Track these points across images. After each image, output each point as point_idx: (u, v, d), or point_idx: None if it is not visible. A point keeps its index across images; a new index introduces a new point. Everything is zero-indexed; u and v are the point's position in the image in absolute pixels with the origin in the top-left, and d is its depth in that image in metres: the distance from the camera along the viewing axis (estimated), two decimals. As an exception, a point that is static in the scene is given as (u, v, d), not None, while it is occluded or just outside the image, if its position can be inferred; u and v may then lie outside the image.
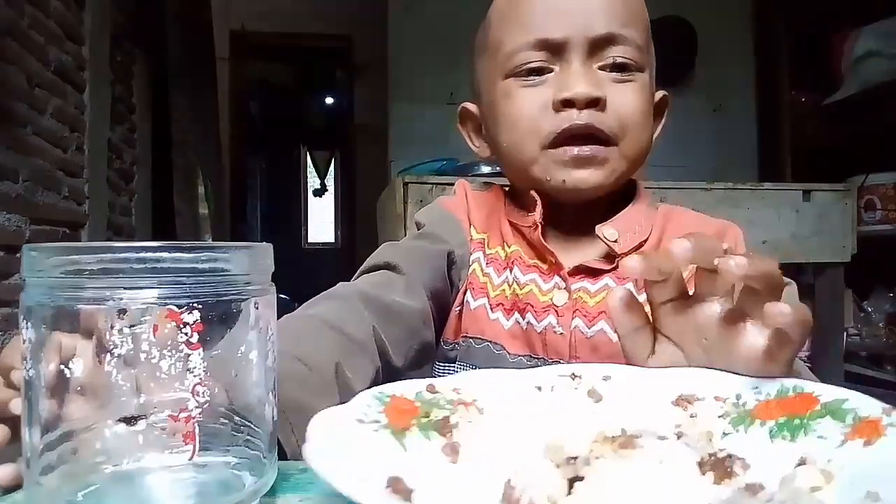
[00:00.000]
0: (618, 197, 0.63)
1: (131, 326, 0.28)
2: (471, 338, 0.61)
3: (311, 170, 7.97)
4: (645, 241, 0.61)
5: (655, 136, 0.66)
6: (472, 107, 0.66)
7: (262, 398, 0.33)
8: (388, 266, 0.59)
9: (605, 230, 0.60)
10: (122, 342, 0.28)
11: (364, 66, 4.60)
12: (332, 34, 4.88)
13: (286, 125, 7.27)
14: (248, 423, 0.32)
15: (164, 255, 0.29)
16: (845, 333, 2.27)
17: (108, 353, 0.28)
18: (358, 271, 0.62)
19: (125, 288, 0.28)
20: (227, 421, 0.31)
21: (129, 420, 0.29)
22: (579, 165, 0.57)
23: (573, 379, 0.39)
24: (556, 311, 0.59)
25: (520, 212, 0.63)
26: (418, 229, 0.67)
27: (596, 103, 0.55)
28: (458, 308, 0.63)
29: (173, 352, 0.28)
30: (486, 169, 2.03)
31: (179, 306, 0.28)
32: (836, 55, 2.66)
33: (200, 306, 0.29)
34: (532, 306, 0.60)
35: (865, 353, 2.38)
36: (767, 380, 0.36)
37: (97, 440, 0.29)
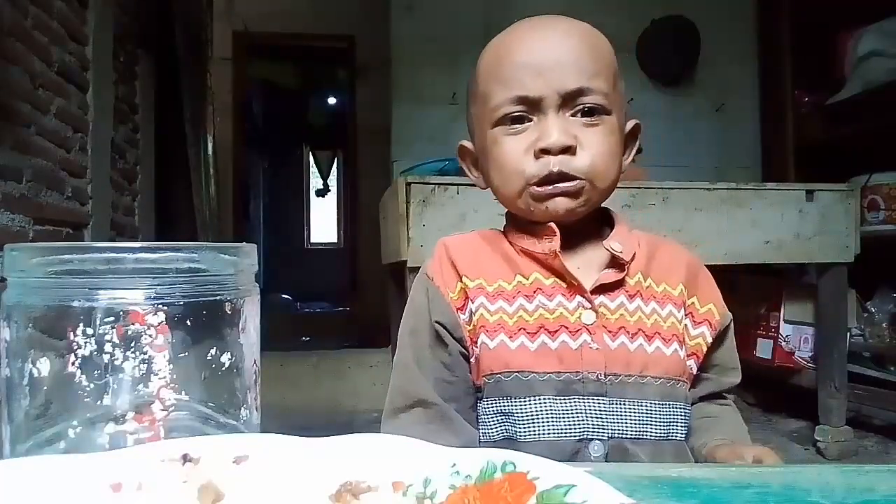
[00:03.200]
0: (597, 223, 0.74)
1: (101, 326, 0.28)
2: (498, 374, 0.67)
3: (313, 170, 7.98)
4: (636, 253, 0.70)
5: (628, 161, 0.75)
6: (468, 145, 0.78)
7: (243, 399, 0.33)
8: (423, 403, 0.68)
9: (612, 244, 0.68)
10: (86, 343, 0.28)
11: (366, 67, 4.60)
12: (334, 34, 4.88)
13: (288, 125, 7.27)
14: (230, 423, 0.32)
15: (146, 255, 0.29)
16: (849, 334, 2.27)
17: (74, 354, 0.28)
18: (389, 411, 0.69)
19: (102, 288, 0.28)
20: (208, 421, 0.31)
21: (117, 419, 0.29)
22: (557, 196, 0.68)
23: (184, 464, 0.26)
24: (587, 329, 0.66)
25: (530, 239, 0.71)
26: (413, 303, 0.73)
27: (568, 150, 0.65)
28: (476, 354, 0.69)
29: (137, 353, 0.28)
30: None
31: (144, 308, 0.28)
32: (839, 55, 2.66)
33: (166, 307, 0.29)
34: (566, 328, 0.66)
35: (869, 353, 2.37)
36: (469, 455, 0.26)
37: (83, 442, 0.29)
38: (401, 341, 0.72)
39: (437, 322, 0.69)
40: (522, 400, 0.64)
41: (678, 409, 0.66)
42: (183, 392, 0.30)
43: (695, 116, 3.11)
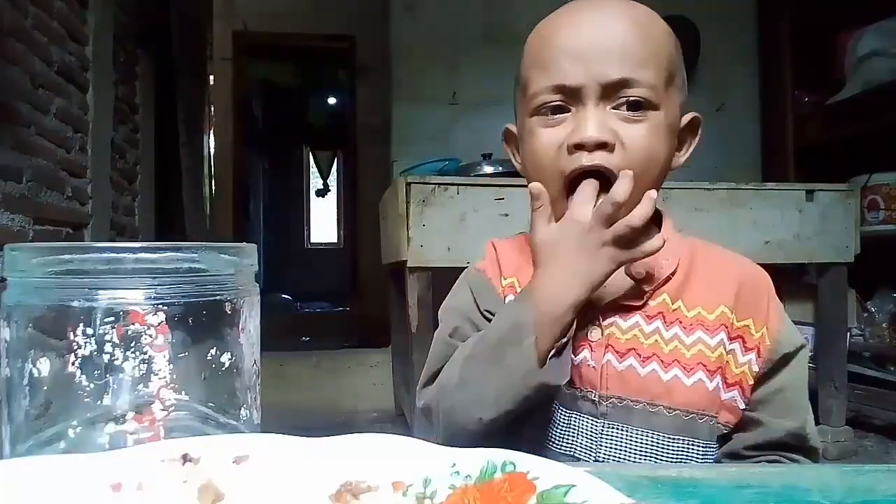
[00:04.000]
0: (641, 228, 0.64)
1: (101, 326, 0.28)
2: None
3: (313, 170, 7.98)
4: (673, 273, 0.64)
5: (683, 158, 0.71)
6: (513, 128, 0.72)
7: (243, 399, 0.32)
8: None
9: (638, 268, 0.63)
10: (86, 343, 0.28)
11: (366, 67, 4.61)
12: (334, 35, 4.88)
13: (289, 125, 7.27)
14: (230, 423, 0.32)
15: (146, 255, 0.29)
16: (849, 334, 2.27)
17: (74, 354, 0.28)
18: (421, 382, 0.67)
19: (102, 288, 0.28)
20: (208, 421, 0.31)
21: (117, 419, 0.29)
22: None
23: (184, 464, 0.26)
24: (590, 345, 0.63)
25: None
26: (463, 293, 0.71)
27: (604, 146, 0.60)
28: None
29: (137, 353, 0.28)
30: (488, 169, 2.03)
31: (144, 308, 0.28)
32: (840, 55, 2.66)
33: (166, 307, 0.29)
34: (573, 341, 0.62)
35: (869, 353, 2.37)
36: (470, 455, 0.26)
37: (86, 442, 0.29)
38: (442, 318, 0.70)
39: (486, 311, 0.67)
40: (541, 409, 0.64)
41: (696, 447, 0.59)
42: (183, 392, 0.30)
43: (695, 116, 3.11)
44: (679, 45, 0.65)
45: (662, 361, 0.60)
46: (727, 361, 0.61)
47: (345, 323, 5.01)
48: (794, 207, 1.96)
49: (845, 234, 2.00)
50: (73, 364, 0.28)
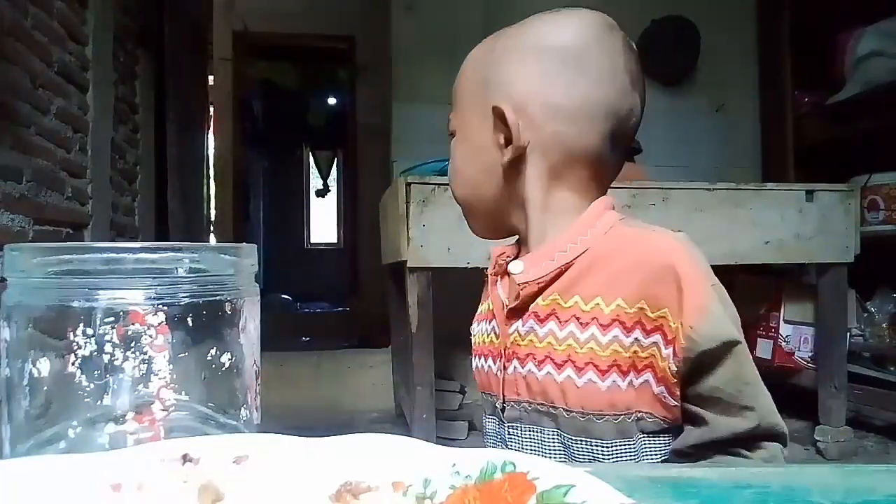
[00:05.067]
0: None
1: (101, 326, 0.28)
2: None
3: (313, 170, 7.98)
4: (567, 266, 0.60)
5: (507, 157, 0.63)
6: None
7: (243, 399, 0.33)
8: None
9: (513, 265, 0.63)
10: (86, 343, 0.28)
11: (366, 67, 4.60)
12: (334, 34, 4.88)
13: (288, 125, 7.27)
14: (230, 423, 0.32)
15: (146, 255, 0.29)
16: (848, 334, 2.27)
17: (74, 354, 0.28)
18: None
19: (102, 288, 0.28)
20: (208, 421, 0.31)
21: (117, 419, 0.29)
22: None
23: (184, 464, 0.26)
24: (492, 354, 0.66)
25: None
26: None
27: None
28: None
29: (137, 354, 0.28)
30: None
31: (144, 308, 0.28)
32: (839, 55, 2.66)
33: (166, 307, 0.29)
34: (491, 351, 0.67)
35: (869, 353, 2.37)
36: (470, 455, 0.26)
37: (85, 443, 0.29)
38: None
39: None
40: (483, 414, 0.70)
41: (600, 447, 0.57)
42: (183, 392, 0.30)
43: (695, 116, 3.11)
44: (485, 55, 0.66)
45: (555, 363, 0.59)
46: (652, 355, 0.56)
47: (345, 323, 5.01)
48: (794, 207, 1.96)
49: (845, 234, 2.00)
50: (73, 364, 0.28)
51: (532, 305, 0.61)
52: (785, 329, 2.36)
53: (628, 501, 0.22)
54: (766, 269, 2.33)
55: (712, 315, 0.55)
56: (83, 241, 2.08)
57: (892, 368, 2.28)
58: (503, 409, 0.64)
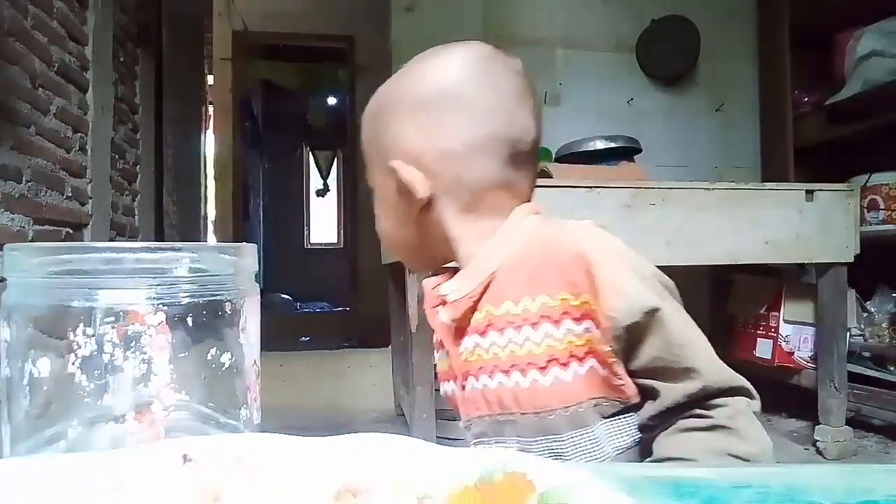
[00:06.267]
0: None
1: (101, 326, 0.28)
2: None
3: (313, 170, 7.97)
4: (493, 276, 0.62)
5: (414, 209, 0.65)
6: None
7: (243, 399, 0.32)
8: None
9: (443, 287, 0.65)
10: (86, 343, 0.28)
11: (366, 67, 4.60)
12: (334, 34, 4.89)
13: (288, 125, 7.27)
14: (230, 423, 0.32)
15: (146, 255, 0.29)
16: (848, 334, 2.27)
17: (74, 354, 0.28)
18: None
19: (102, 288, 0.28)
20: (208, 421, 0.31)
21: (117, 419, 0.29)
22: None
23: (184, 464, 0.26)
24: (457, 375, 0.66)
25: None
26: None
27: None
28: None
29: (137, 354, 0.28)
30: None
31: (144, 308, 0.28)
32: (839, 55, 2.66)
33: (166, 307, 0.29)
34: (449, 375, 0.68)
35: (869, 353, 2.37)
36: (470, 455, 0.26)
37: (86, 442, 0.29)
38: None
39: None
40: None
41: (558, 443, 0.58)
42: (183, 392, 0.30)
43: (695, 116, 3.11)
44: (373, 116, 0.69)
45: (503, 370, 0.60)
46: (589, 340, 0.57)
47: (345, 323, 5.01)
48: (794, 207, 1.96)
49: (845, 234, 2.00)
50: (73, 364, 0.28)
51: (472, 321, 0.63)
52: (785, 329, 2.36)
53: (628, 501, 0.22)
54: (766, 269, 2.33)
55: (625, 290, 0.56)
56: (83, 241, 2.08)
57: (892, 368, 2.28)
58: (468, 428, 0.65)
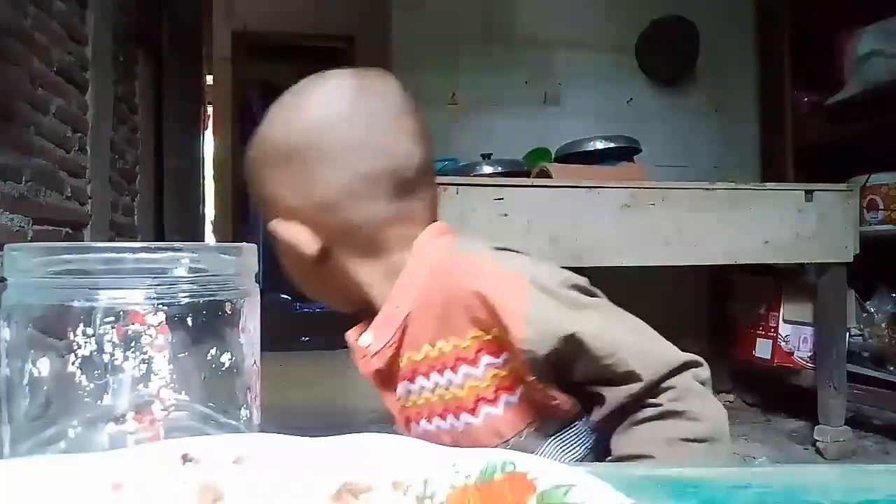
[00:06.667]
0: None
1: (101, 326, 0.28)
2: None
3: (313, 170, 7.97)
4: (407, 320, 0.59)
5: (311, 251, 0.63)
6: None
7: (243, 399, 0.32)
8: None
9: (362, 339, 0.62)
10: (86, 343, 0.28)
11: (366, 67, 4.60)
12: (334, 34, 4.89)
13: (288, 125, 7.26)
14: (230, 423, 0.32)
15: (146, 255, 0.29)
16: (848, 334, 2.27)
17: (74, 354, 0.28)
18: None
19: (102, 288, 0.28)
20: (208, 421, 0.31)
21: (118, 419, 0.29)
22: None
23: (184, 464, 0.26)
24: (395, 424, 0.65)
25: None
26: None
27: None
28: None
29: (137, 353, 0.28)
30: (487, 169, 2.03)
31: (144, 308, 0.28)
32: (839, 55, 2.66)
33: (166, 307, 0.29)
34: (395, 419, 0.65)
35: (868, 353, 2.37)
36: (470, 455, 0.26)
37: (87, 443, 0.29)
38: None
39: None
40: None
41: None
42: (183, 392, 0.30)
43: (695, 116, 3.11)
44: (249, 175, 0.63)
45: (439, 414, 0.59)
46: (513, 370, 0.56)
47: (345, 323, 5.00)
48: (793, 208, 1.96)
49: (845, 234, 2.00)
50: (73, 364, 0.28)
51: (400, 368, 0.61)
52: (784, 329, 2.36)
53: (628, 501, 0.22)
54: (766, 269, 2.33)
55: (533, 319, 0.53)
56: (83, 241, 2.08)
57: (891, 368, 2.28)
58: None
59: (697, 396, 0.55)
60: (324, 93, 0.61)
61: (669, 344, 0.57)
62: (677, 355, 0.56)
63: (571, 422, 0.59)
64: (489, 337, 0.56)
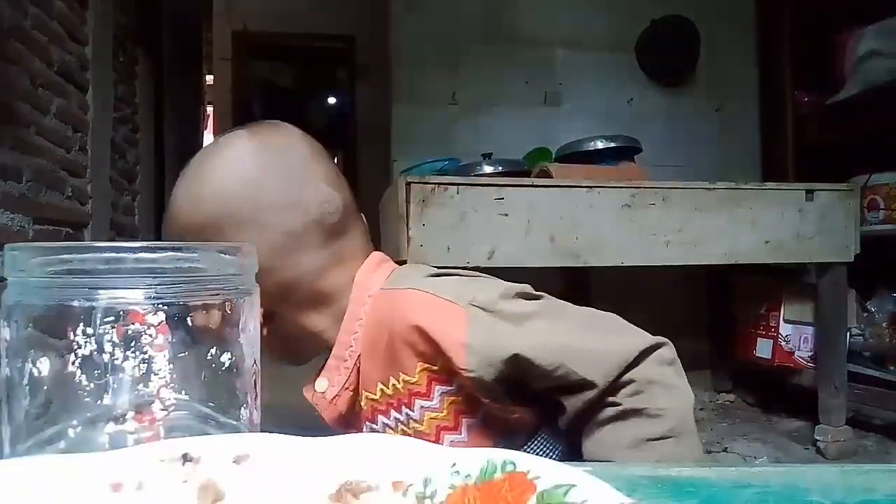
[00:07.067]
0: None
1: (101, 326, 0.28)
2: None
3: (313, 170, 7.97)
4: (358, 361, 0.60)
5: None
6: None
7: (243, 399, 0.32)
8: None
9: (318, 385, 0.61)
10: (86, 343, 0.28)
11: (366, 67, 4.60)
12: (334, 34, 4.88)
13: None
14: (230, 423, 0.32)
15: (146, 255, 0.29)
16: (848, 334, 2.27)
17: (74, 354, 0.28)
18: None
19: (102, 288, 0.28)
20: (208, 421, 0.31)
21: (118, 419, 0.29)
22: None
23: (184, 464, 0.26)
24: None
25: None
26: None
27: None
28: None
29: (137, 353, 0.28)
30: (488, 169, 2.03)
31: (144, 308, 0.28)
32: (839, 55, 2.66)
33: (166, 307, 0.29)
34: None
35: (869, 353, 2.37)
36: (470, 455, 0.26)
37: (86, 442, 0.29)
38: None
39: None
40: None
41: None
42: (183, 392, 0.30)
43: (695, 116, 3.11)
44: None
45: None
46: (468, 393, 0.55)
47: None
48: (794, 207, 1.96)
49: (845, 233, 2.00)
50: (73, 364, 0.28)
51: (362, 411, 0.60)
52: (785, 328, 2.36)
53: (628, 501, 0.22)
54: (766, 269, 2.33)
55: (474, 346, 0.52)
56: (83, 241, 2.08)
57: (892, 368, 2.28)
58: None
59: (660, 386, 0.53)
60: (226, 159, 0.59)
61: (627, 332, 0.55)
62: (631, 347, 0.53)
63: (538, 429, 0.59)
64: (436, 368, 0.55)
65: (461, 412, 0.56)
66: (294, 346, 0.64)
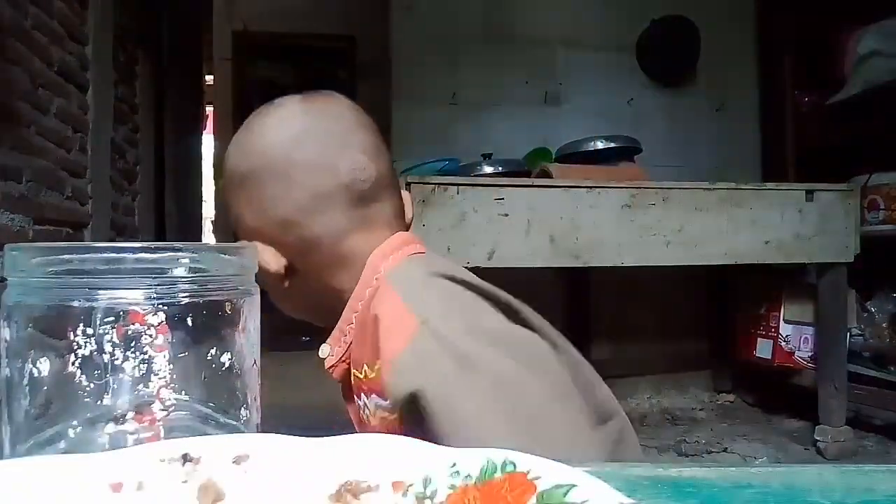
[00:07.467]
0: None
1: (101, 326, 0.28)
2: None
3: (313, 170, 7.97)
4: (353, 339, 0.61)
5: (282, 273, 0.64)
6: None
7: (243, 399, 0.32)
8: None
9: (321, 350, 0.64)
10: (86, 343, 0.28)
11: (366, 67, 4.60)
12: (334, 34, 4.88)
13: (288, 125, 7.26)
14: (230, 423, 0.32)
15: (146, 255, 0.29)
16: (848, 334, 2.27)
17: (74, 354, 0.28)
18: None
19: (102, 288, 0.28)
20: (208, 421, 0.31)
21: (118, 419, 0.29)
22: None
23: (184, 464, 0.26)
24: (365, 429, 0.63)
25: None
26: None
27: None
28: None
29: (137, 353, 0.28)
30: (488, 169, 2.03)
31: (144, 308, 0.28)
32: (840, 55, 2.66)
33: (166, 307, 0.29)
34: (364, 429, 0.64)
35: (869, 353, 2.37)
36: (470, 455, 0.26)
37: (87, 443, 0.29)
38: None
39: None
40: None
41: None
42: (183, 392, 0.30)
43: (695, 116, 3.11)
44: (223, 195, 0.66)
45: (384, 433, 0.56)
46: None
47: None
48: (794, 207, 1.96)
49: (845, 234, 2.00)
50: (73, 364, 0.28)
51: (354, 382, 0.61)
52: (785, 329, 2.36)
53: (628, 501, 0.22)
54: (766, 270, 2.33)
55: (397, 365, 0.50)
56: (83, 241, 2.08)
57: (892, 368, 2.28)
58: None
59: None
60: (275, 117, 0.63)
61: (572, 426, 0.50)
62: (569, 448, 0.47)
63: None
64: (373, 375, 0.55)
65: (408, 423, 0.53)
66: (313, 303, 0.66)
